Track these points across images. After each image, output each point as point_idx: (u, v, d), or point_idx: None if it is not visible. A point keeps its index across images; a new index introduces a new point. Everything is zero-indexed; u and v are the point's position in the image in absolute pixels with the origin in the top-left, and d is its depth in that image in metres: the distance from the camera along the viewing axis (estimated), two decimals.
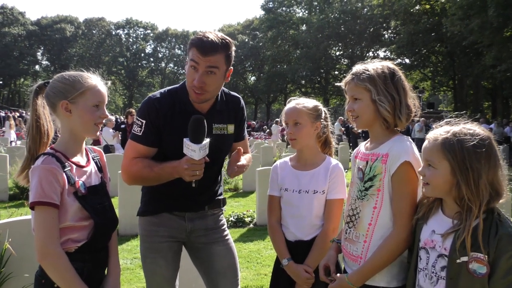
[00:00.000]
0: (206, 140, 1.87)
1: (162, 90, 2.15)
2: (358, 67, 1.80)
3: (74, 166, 1.74)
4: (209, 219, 2.24)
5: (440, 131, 1.53)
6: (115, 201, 2.00)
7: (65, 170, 1.67)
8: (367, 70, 1.74)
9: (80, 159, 1.80)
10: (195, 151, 1.83)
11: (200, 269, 2.28)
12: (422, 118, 18.32)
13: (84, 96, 1.73)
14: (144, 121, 2.04)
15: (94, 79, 1.79)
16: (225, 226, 2.32)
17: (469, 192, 1.44)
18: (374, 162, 1.76)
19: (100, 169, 1.90)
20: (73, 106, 1.73)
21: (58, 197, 1.63)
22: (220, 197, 2.30)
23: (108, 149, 10.44)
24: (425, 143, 1.57)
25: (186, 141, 1.86)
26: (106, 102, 1.81)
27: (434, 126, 1.61)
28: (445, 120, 1.58)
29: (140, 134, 2.05)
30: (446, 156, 1.47)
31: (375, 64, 1.78)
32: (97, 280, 1.78)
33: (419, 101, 1.84)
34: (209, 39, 1.93)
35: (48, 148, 1.78)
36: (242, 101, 2.34)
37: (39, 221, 1.61)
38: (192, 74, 1.97)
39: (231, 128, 2.21)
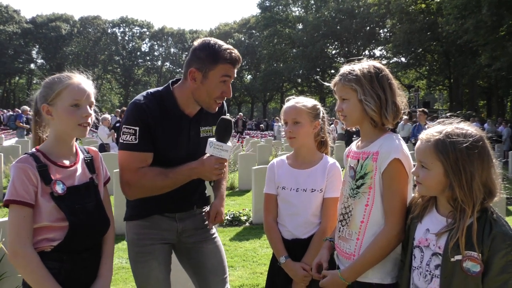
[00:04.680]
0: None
1: (144, 94, 2.08)
2: (345, 68, 1.83)
3: (54, 166, 1.70)
4: (198, 218, 2.25)
5: (432, 132, 1.54)
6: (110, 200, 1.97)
7: (41, 169, 1.64)
8: (354, 71, 1.78)
9: (64, 159, 1.76)
10: (227, 151, 1.89)
11: (189, 269, 2.27)
12: (405, 117, 18.24)
13: (61, 96, 1.69)
14: (137, 128, 1.97)
15: (75, 78, 1.72)
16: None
17: (462, 194, 1.44)
18: (365, 160, 1.78)
19: (92, 169, 1.84)
20: (52, 109, 1.69)
21: (31, 196, 1.61)
22: (205, 195, 2.33)
23: (103, 147, 10.42)
24: (418, 144, 1.58)
25: (214, 141, 1.89)
26: (90, 100, 1.74)
27: (427, 126, 1.62)
28: (438, 120, 1.59)
29: (136, 141, 1.97)
30: (439, 158, 1.48)
31: (362, 64, 1.81)
32: (81, 282, 1.73)
33: (408, 100, 1.85)
34: (235, 52, 2.00)
35: (33, 148, 1.76)
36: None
37: (10, 219, 1.60)
38: (221, 87, 2.01)
39: None
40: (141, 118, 1.98)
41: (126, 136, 1.98)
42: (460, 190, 1.44)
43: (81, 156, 1.84)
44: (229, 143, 1.92)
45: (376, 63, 1.81)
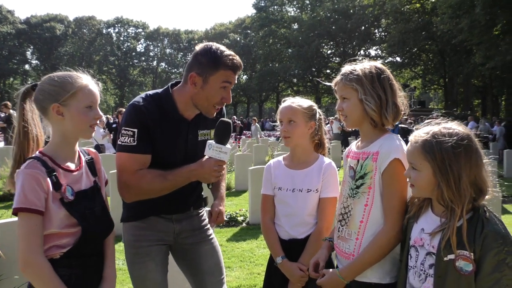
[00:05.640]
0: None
1: (143, 96, 2.08)
2: (346, 68, 1.83)
3: (62, 171, 1.66)
4: (195, 219, 2.25)
5: (420, 133, 1.55)
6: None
7: (51, 175, 1.60)
8: (355, 70, 1.78)
9: (70, 163, 1.72)
10: (226, 153, 1.89)
11: (186, 271, 2.27)
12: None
13: (76, 97, 1.66)
14: (136, 130, 1.96)
15: (84, 79, 1.71)
16: (209, 225, 2.34)
17: (450, 193, 1.45)
18: (365, 160, 1.79)
19: (94, 172, 1.83)
20: (65, 109, 1.66)
21: (42, 203, 1.56)
22: (202, 196, 2.33)
23: (98, 148, 10.39)
24: (408, 146, 1.59)
25: (213, 143, 1.89)
26: (99, 102, 1.74)
27: (414, 128, 1.63)
28: (426, 121, 1.60)
29: (135, 143, 1.96)
30: (427, 158, 1.49)
31: (364, 64, 1.81)
32: (90, 286, 1.72)
33: (408, 100, 1.87)
34: (237, 59, 2.00)
35: (37, 152, 1.69)
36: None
37: (21, 228, 1.55)
38: (221, 93, 2.01)
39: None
40: (140, 120, 1.97)
41: (125, 138, 1.97)
42: (448, 190, 1.45)
43: (83, 158, 1.81)
44: (228, 145, 1.92)
45: (378, 64, 1.82)
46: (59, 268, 1.60)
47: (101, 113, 1.75)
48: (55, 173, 1.62)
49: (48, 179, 1.59)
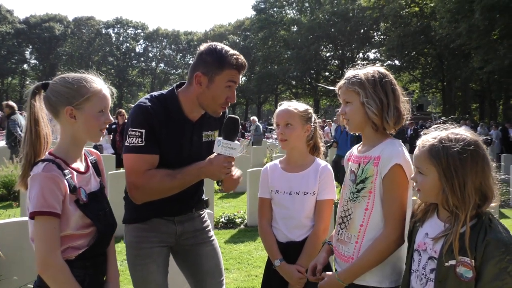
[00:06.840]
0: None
1: (148, 97, 2.08)
2: (350, 72, 1.85)
3: (75, 173, 1.66)
4: (197, 220, 2.26)
5: (428, 138, 1.55)
6: None
7: (66, 177, 1.60)
8: (358, 75, 1.80)
9: (80, 164, 1.73)
10: (236, 149, 1.90)
11: (186, 271, 2.28)
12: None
13: (90, 102, 1.66)
14: (143, 130, 1.96)
15: (98, 83, 1.71)
16: (210, 227, 2.35)
17: (455, 199, 1.44)
18: (366, 164, 1.80)
19: (98, 172, 1.84)
20: (78, 112, 1.65)
21: (60, 206, 1.56)
22: (204, 198, 2.34)
23: (96, 149, 10.37)
24: (415, 150, 1.59)
25: (222, 140, 1.90)
26: (110, 106, 1.74)
27: (422, 133, 1.63)
28: (434, 125, 1.60)
29: (143, 144, 1.96)
30: (433, 163, 1.49)
31: (367, 69, 1.82)
32: (98, 286, 1.74)
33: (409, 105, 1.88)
34: (241, 58, 2.01)
35: (47, 153, 1.68)
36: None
37: (40, 231, 1.54)
38: (226, 92, 2.02)
39: (217, 134, 2.24)
40: (147, 121, 1.98)
41: (132, 139, 1.97)
42: (452, 195, 1.44)
43: (88, 158, 1.81)
44: (237, 142, 1.92)
45: (381, 69, 1.83)
46: (74, 269, 1.60)
47: (111, 117, 1.74)
48: (69, 175, 1.63)
49: (65, 181, 1.59)
